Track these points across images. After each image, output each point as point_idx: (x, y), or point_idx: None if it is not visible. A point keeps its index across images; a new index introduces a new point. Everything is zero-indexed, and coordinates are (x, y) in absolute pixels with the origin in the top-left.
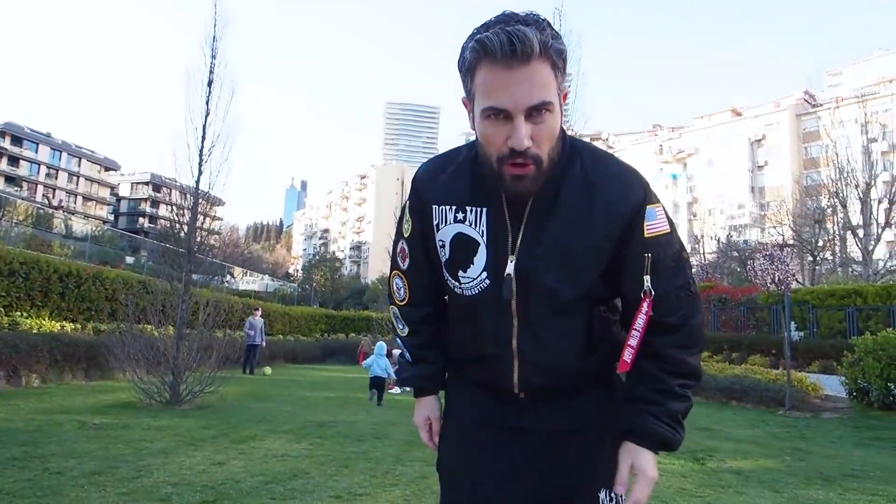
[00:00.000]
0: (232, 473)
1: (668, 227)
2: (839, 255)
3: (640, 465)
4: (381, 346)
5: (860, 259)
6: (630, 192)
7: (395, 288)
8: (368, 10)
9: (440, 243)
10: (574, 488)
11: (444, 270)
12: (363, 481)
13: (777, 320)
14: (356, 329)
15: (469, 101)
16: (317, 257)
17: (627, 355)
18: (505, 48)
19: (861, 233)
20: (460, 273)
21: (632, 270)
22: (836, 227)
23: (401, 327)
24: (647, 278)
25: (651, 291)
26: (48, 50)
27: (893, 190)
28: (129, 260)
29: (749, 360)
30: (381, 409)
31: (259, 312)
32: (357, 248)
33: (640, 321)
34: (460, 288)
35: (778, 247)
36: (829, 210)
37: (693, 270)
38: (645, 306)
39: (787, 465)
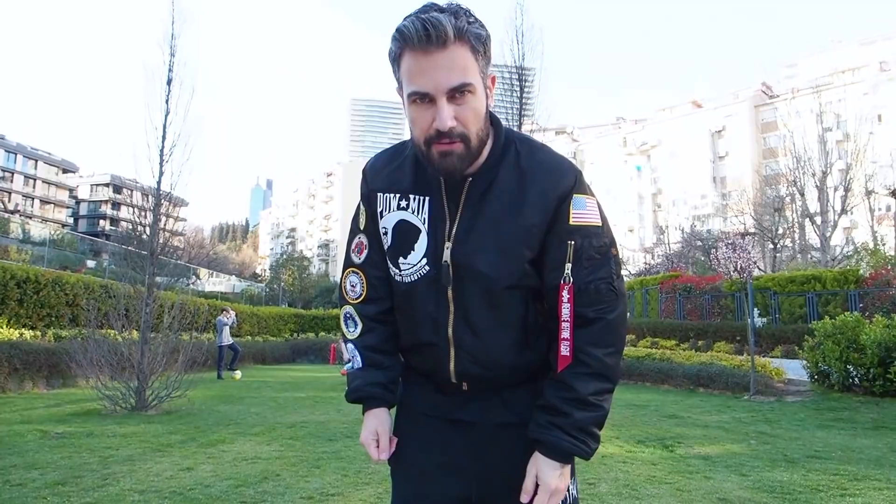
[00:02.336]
0: (201, 478)
1: (598, 220)
2: (798, 242)
3: (542, 476)
4: None
5: (818, 245)
6: (561, 179)
7: (348, 287)
8: (330, 5)
9: (383, 230)
10: (517, 481)
11: (387, 258)
12: (335, 481)
13: (741, 307)
14: (326, 328)
15: (400, 89)
16: (284, 256)
17: (564, 349)
18: (420, 34)
19: (819, 220)
20: (401, 259)
21: (555, 256)
22: (794, 215)
23: (352, 329)
24: (567, 266)
25: (570, 279)
26: None
27: (848, 178)
28: (91, 264)
29: (715, 348)
30: (353, 406)
31: (225, 313)
32: (325, 246)
33: (566, 310)
34: (400, 275)
35: (740, 235)
36: (787, 198)
37: (658, 262)
38: (565, 293)
39: (752, 448)
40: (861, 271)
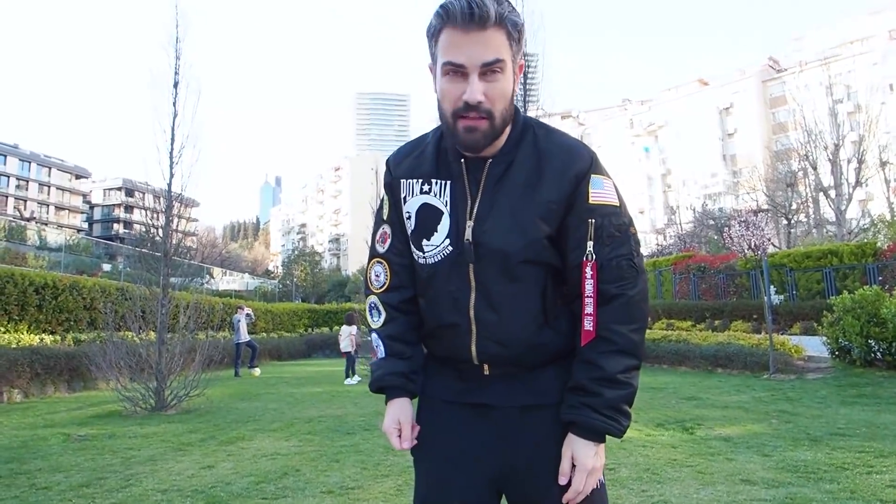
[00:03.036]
0: (222, 476)
1: (616, 200)
2: (813, 216)
3: (578, 457)
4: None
5: (834, 220)
6: (577, 159)
7: (373, 276)
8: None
9: (406, 215)
10: (540, 464)
11: (410, 242)
12: (354, 474)
13: (756, 285)
14: (339, 322)
15: (433, 64)
16: (296, 252)
17: (588, 324)
18: (465, 11)
19: (833, 193)
20: (424, 241)
21: (576, 235)
22: (808, 190)
23: (376, 318)
24: (589, 244)
25: (593, 255)
26: (9, 61)
27: (861, 149)
28: (106, 267)
29: (732, 327)
30: (369, 399)
31: (240, 310)
32: (335, 240)
33: (589, 287)
34: (423, 257)
35: (752, 212)
36: (800, 173)
37: (671, 242)
38: (588, 270)
39: (774, 428)
40: (878, 244)
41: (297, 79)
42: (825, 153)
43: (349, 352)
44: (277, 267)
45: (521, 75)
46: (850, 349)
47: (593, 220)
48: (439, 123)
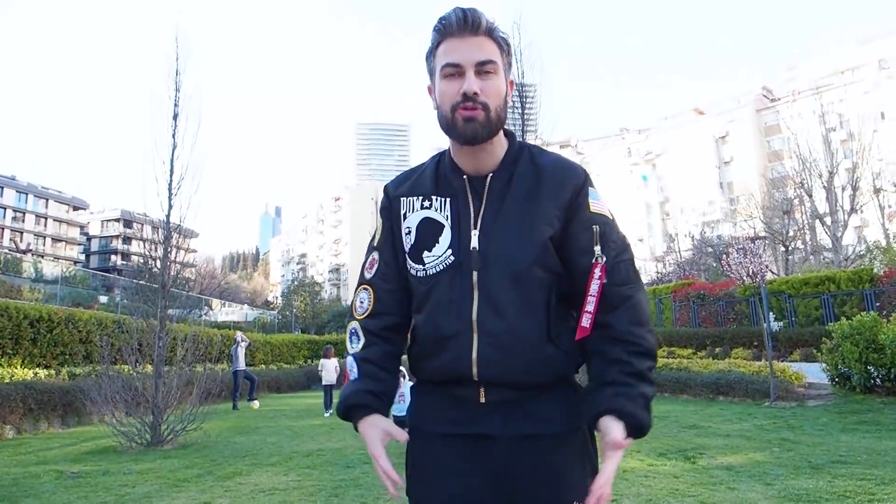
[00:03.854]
0: None
1: (610, 214)
2: (810, 243)
3: (613, 437)
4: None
5: (830, 246)
6: (574, 174)
7: (357, 304)
8: (332, 32)
9: (406, 230)
10: (543, 499)
11: (408, 258)
12: None
13: (756, 312)
14: (339, 353)
15: (432, 82)
16: (296, 283)
17: (585, 320)
18: (459, 19)
19: (829, 220)
20: (425, 254)
21: (581, 243)
22: (804, 217)
23: (354, 343)
24: (597, 248)
25: (602, 258)
26: (8, 91)
27: (855, 177)
28: (103, 299)
29: (732, 354)
30: None
31: (239, 338)
32: (336, 270)
33: (595, 286)
34: (423, 269)
35: (750, 240)
36: (795, 200)
37: (670, 270)
38: (597, 271)
39: (775, 456)
40: (875, 270)
41: (298, 108)
42: (820, 181)
43: (331, 384)
44: (277, 297)
45: (514, 94)
46: (849, 375)
47: (597, 226)
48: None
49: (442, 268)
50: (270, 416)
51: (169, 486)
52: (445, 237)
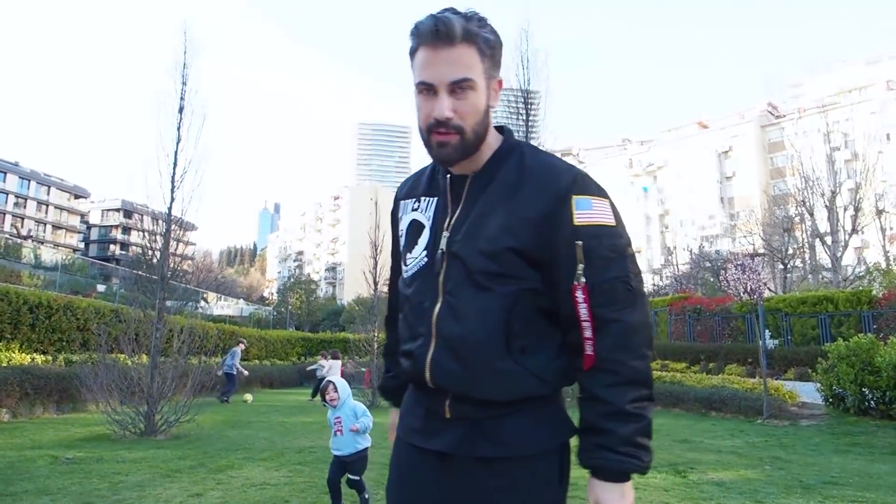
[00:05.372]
0: None
1: (610, 220)
2: (809, 262)
3: (604, 500)
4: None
5: (829, 266)
6: (557, 178)
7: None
8: (336, 31)
9: (401, 233)
10: None
11: (402, 261)
12: None
13: (752, 329)
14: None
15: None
16: (292, 280)
17: (588, 348)
18: (431, 30)
19: (829, 240)
20: (408, 255)
21: (565, 262)
22: (804, 235)
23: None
24: (580, 266)
25: (581, 279)
26: (12, 77)
27: (858, 197)
28: (101, 288)
29: (726, 370)
30: None
31: (240, 344)
32: (332, 269)
33: (584, 311)
34: (406, 271)
35: (749, 256)
36: (796, 218)
37: (667, 283)
38: (579, 294)
39: (767, 474)
40: (874, 292)
41: (300, 107)
42: (822, 200)
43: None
44: (272, 294)
45: (519, 101)
46: (844, 397)
47: (581, 242)
48: None
49: (416, 269)
50: (263, 411)
51: (162, 476)
52: (423, 238)
